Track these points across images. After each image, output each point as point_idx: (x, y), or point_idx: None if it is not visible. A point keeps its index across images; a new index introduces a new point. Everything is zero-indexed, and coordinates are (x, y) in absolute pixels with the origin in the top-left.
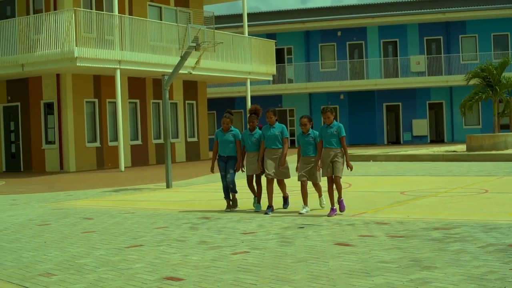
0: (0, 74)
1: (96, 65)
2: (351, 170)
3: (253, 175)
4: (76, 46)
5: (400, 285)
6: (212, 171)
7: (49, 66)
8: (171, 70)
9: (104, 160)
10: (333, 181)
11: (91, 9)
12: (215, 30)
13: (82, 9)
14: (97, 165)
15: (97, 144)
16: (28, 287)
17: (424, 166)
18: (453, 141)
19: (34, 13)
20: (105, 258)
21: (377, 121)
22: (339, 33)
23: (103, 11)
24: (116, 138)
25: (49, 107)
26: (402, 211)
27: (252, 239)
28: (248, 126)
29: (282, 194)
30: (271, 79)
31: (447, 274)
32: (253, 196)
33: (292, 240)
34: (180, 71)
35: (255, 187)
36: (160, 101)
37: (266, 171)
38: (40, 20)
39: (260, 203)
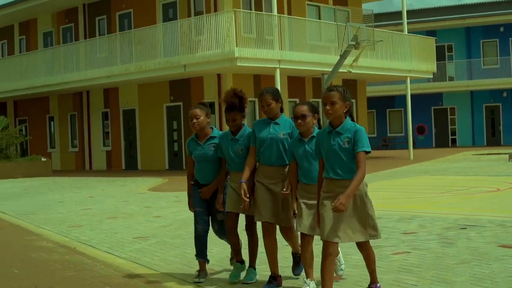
0: (163, 74)
1: (256, 65)
2: (335, 210)
3: (237, 216)
4: (236, 46)
5: None
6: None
7: (210, 67)
8: (330, 69)
9: None
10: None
11: (251, 9)
12: (374, 28)
13: (241, 10)
14: None
15: None
16: (191, 282)
17: None
18: None
19: (195, 15)
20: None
21: None
22: (501, 29)
23: (262, 11)
24: None
25: (210, 106)
26: None
27: (413, 239)
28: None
29: (291, 249)
30: (431, 77)
31: None
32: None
33: (453, 241)
34: (340, 70)
35: (242, 238)
36: (320, 100)
37: (258, 213)
38: (201, 21)
39: (255, 267)
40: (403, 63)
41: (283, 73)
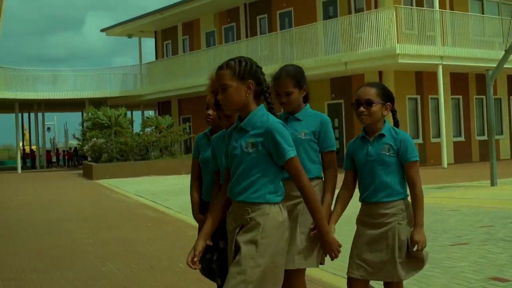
0: (324, 72)
1: (417, 62)
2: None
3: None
4: (398, 43)
5: None
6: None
7: (371, 64)
8: (494, 65)
9: (427, 156)
10: None
11: (412, 5)
12: None
13: (402, 6)
14: (419, 161)
15: (420, 140)
16: (344, 276)
17: None
18: None
19: (355, 12)
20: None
21: None
22: None
23: (423, 7)
24: (438, 135)
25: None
26: None
27: None
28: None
29: None
30: None
31: None
32: None
33: None
34: (505, 66)
35: None
36: (484, 97)
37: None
38: (361, 18)
39: None
40: None
41: (446, 70)
